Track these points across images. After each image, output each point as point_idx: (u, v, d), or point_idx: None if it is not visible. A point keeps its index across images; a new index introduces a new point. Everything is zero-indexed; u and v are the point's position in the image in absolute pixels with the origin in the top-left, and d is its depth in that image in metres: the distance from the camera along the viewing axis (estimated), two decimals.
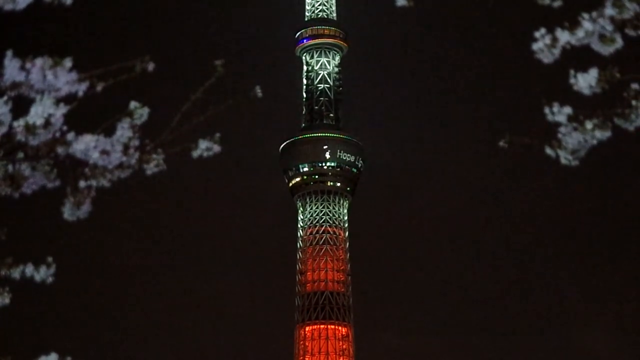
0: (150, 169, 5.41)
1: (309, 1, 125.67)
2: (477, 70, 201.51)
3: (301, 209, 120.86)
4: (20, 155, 5.31)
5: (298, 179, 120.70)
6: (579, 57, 5.49)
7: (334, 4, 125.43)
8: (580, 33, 5.37)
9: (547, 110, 5.44)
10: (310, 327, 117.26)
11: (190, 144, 5.42)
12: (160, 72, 5.60)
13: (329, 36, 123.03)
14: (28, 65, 5.20)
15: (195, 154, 5.45)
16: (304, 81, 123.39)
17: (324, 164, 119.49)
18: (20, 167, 5.34)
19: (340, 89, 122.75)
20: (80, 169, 5.35)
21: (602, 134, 5.46)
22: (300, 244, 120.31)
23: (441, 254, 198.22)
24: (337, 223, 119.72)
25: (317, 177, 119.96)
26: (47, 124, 5.24)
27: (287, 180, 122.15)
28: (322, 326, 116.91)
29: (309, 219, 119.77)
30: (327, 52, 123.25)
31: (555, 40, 5.37)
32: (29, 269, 5.91)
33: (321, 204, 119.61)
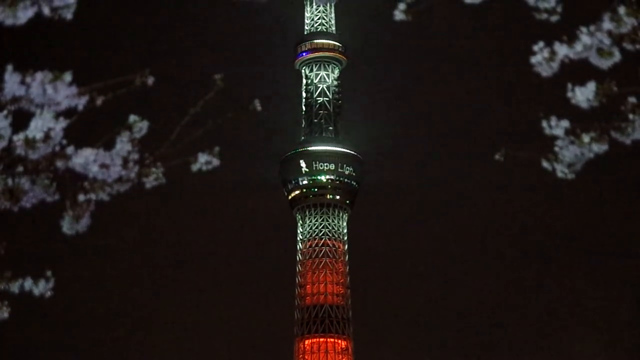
0: (150, 182, 5.41)
1: (308, 15, 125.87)
2: (475, 84, 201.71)
3: (300, 222, 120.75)
4: (20, 169, 5.32)
5: (297, 192, 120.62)
6: (577, 70, 5.51)
7: (333, 17, 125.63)
8: (578, 47, 5.39)
9: (544, 123, 5.46)
10: (310, 341, 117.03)
11: (189, 158, 5.43)
12: (159, 86, 5.62)
13: (328, 49, 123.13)
14: (28, 79, 5.21)
15: (195, 167, 5.46)
16: (303, 94, 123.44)
17: (323, 177, 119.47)
18: (20, 181, 5.34)
19: (340, 102, 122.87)
20: (79, 182, 5.36)
21: (599, 148, 5.48)
22: (299, 257, 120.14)
23: (440, 268, 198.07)
24: (336, 236, 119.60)
25: (316, 190, 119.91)
26: (47, 137, 5.24)
27: (286, 193, 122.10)
28: (321, 339, 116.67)
29: (309, 232, 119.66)
30: (327, 66, 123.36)
31: (553, 53, 5.39)
32: (28, 283, 5.91)
33: (320, 217, 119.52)
